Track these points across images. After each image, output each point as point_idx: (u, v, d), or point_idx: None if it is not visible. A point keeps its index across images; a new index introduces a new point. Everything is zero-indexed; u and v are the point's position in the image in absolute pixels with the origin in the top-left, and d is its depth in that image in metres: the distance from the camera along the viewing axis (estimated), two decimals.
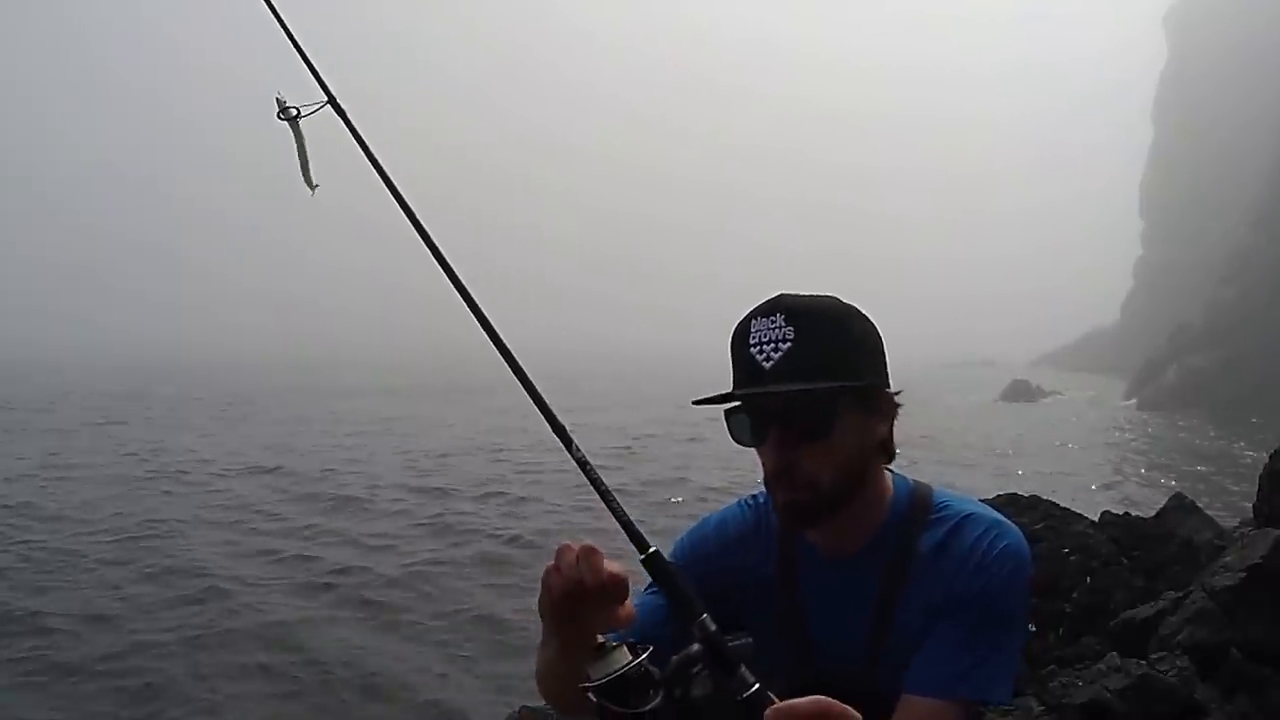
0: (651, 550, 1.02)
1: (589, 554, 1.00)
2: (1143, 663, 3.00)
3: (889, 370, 1.29)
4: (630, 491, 13.90)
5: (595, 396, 38.60)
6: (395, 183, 1.25)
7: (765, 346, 1.19)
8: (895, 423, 1.30)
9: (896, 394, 1.29)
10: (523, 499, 14.26)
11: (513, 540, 11.23)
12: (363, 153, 1.26)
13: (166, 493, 14.49)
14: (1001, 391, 50.17)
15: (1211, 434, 28.49)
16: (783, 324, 1.19)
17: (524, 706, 5.23)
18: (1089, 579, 3.92)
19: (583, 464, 1.06)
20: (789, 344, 1.18)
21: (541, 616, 1.08)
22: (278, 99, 1.27)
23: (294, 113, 1.28)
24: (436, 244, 1.22)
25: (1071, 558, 3.99)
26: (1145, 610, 3.50)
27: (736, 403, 1.24)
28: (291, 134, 1.29)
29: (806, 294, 1.24)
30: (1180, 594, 3.43)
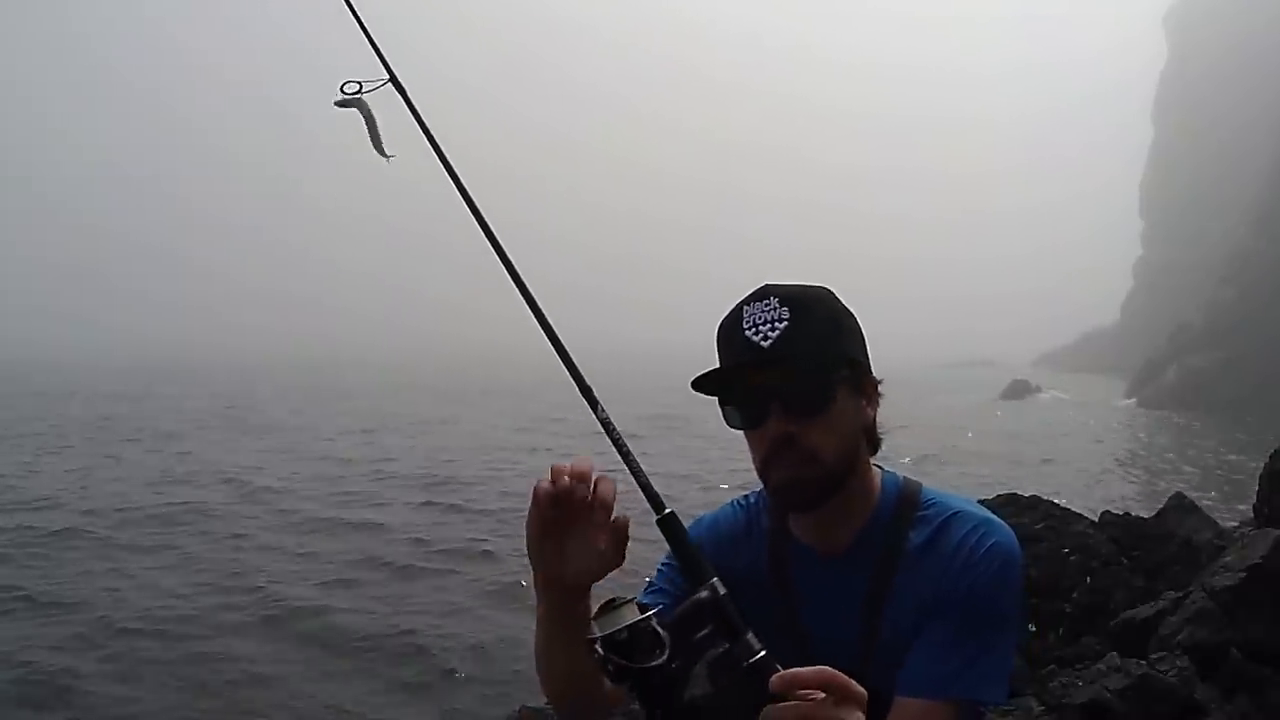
0: (667, 511, 1.03)
1: (580, 463, 1.03)
2: (1143, 663, 3.00)
3: (870, 362, 1.33)
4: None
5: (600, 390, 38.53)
6: (451, 161, 1.27)
7: (762, 327, 1.21)
8: (893, 425, 1.32)
9: (880, 383, 1.32)
10: (523, 498, 14.25)
11: (512, 541, 11.23)
12: (421, 132, 1.29)
13: (161, 497, 14.49)
14: (1001, 391, 50.22)
15: (1211, 434, 28.49)
16: (777, 306, 1.21)
17: (524, 706, 5.24)
18: (1089, 579, 3.92)
19: (606, 424, 1.08)
20: (785, 324, 1.20)
21: (530, 557, 1.10)
22: (341, 87, 1.32)
23: (356, 88, 1.31)
24: (487, 221, 1.23)
25: (1071, 558, 3.99)
26: (1145, 610, 3.50)
27: (732, 381, 1.25)
28: (359, 113, 1.33)
29: (792, 283, 1.27)
30: (1180, 594, 3.43)
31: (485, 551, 10.74)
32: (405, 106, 1.30)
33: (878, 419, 1.31)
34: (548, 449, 18.09)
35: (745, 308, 1.23)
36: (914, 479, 1.35)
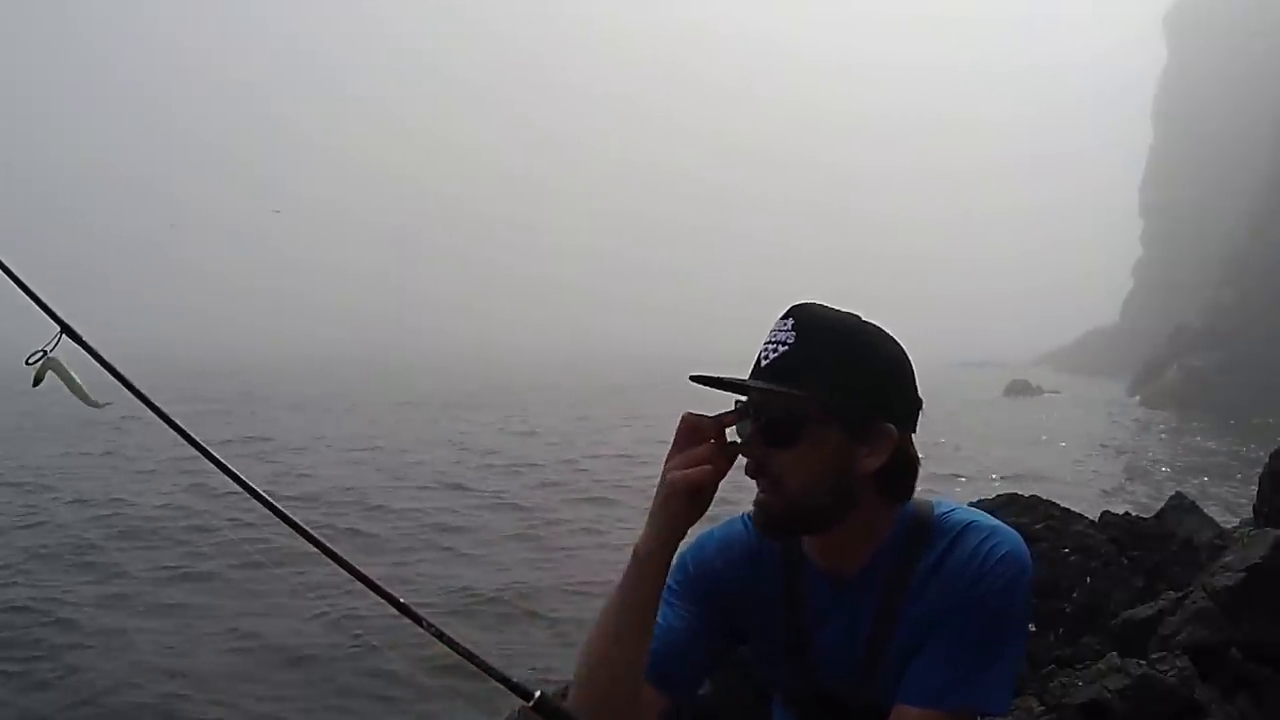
0: (538, 695, 1.09)
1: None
2: (1143, 663, 2.99)
3: (909, 412, 1.29)
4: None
5: (603, 394, 38.63)
6: (144, 392, 1.27)
7: (769, 346, 1.21)
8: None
9: (910, 430, 1.28)
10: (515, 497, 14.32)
11: (522, 538, 11.23)
12: (109, 373, 1.26)
13: (161, 501, 14.47)
14: (1001, 391, 50.25)
15: (1211, 434, 28.49)
16: (789, 328, 1.21)
17: (523, 706, 5.23)
18: (1089, 579, 3.91)
19: (440, 636, 1.12)
20: (787, 348, 1.19)
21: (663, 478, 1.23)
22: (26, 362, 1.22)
23: (39, 355, 1.24)
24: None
25: (1071, 558, 3.98)
26: (1145, 610, 3.49)
27: (733, 391, 1.26)
28: (57, 378, 1.26)
29: (831, 308, 1.24)
30: (1180, 594, 3.43)
31: (487, 542, 10.72)
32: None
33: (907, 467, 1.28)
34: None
35: (776, 321, 1.24)
36: (925, 499, 1.33)
